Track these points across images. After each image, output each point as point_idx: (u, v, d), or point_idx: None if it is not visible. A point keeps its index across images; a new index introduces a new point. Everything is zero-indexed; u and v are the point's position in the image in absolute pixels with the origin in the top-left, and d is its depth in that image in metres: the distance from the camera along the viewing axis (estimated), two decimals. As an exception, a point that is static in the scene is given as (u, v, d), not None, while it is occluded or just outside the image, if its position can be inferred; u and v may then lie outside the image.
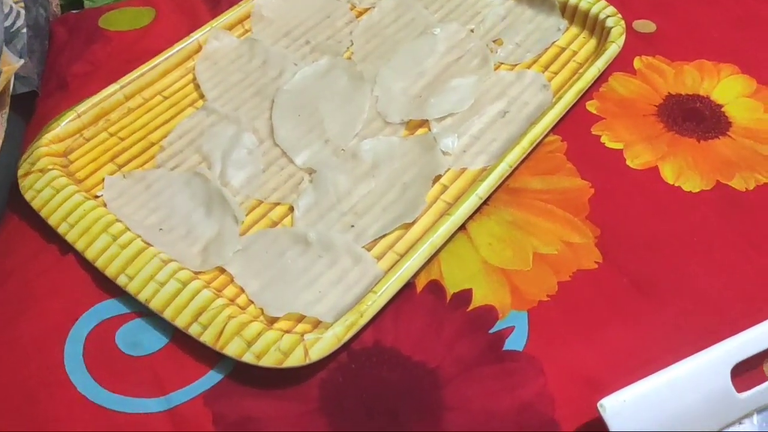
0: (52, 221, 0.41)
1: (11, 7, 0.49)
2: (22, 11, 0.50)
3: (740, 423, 0.34)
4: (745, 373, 0.34)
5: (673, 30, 0.53)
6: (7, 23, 0.47)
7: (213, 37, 0.52)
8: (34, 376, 0.36)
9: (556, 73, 0.49)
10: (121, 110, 0.48)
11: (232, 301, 0.38)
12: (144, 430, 0.34)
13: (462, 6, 0.55)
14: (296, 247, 0.40)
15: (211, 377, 0.36)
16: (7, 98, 0.47)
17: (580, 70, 0.49)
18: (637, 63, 0.50)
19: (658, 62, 0.50)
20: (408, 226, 0.41)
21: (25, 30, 0.49)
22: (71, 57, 0.53)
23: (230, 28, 0.53)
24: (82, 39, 0.54)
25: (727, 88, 0.49)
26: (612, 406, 0.32)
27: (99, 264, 0.39)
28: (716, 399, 0.33)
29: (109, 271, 0.38)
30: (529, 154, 0.44)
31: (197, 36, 0.51)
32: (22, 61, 0.46)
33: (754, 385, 0.34)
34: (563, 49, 0.51)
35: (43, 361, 0.36)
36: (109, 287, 0.39)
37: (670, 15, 0.54)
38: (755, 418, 0.34)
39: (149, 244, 0.39)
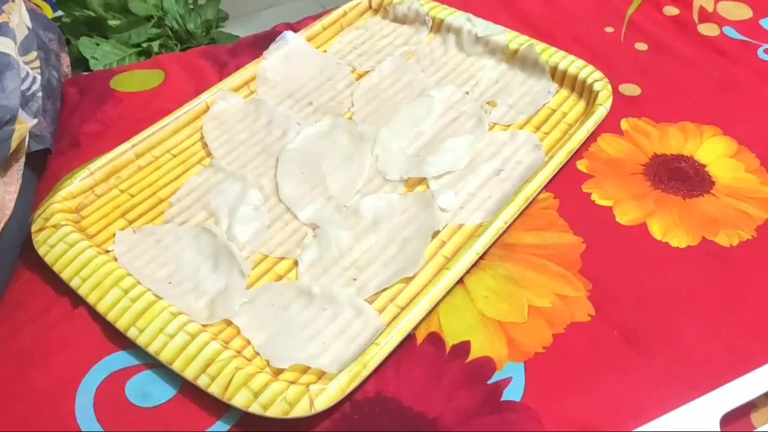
0: (65, 275, 0.42)
1: (27, 72, 0.51)
2: (38, 76, 0.52)
3: (730, 471, 0.35)
4: (734, 422, 0.36)
5: (657, 93, 0.55)
6: (24, 87, 0.49)
7: (220, 98, 0.54)
8: (46, 427, 0.37)
9: (547, 134, 0.52)
10: (132, 168, 0.50)
11: (239, 352, 0.39)
12: (153, 479, 0.35)
13: (457, 70, 0.58)
14: (301, 300, 0.42)
15: (219, 428, 0.37)
16: (23, 156, 0.48)
17: (570, 131, 0.51)
18: (624, 124, 0.53)
19: (643, 124, 0.53)
20: (408, 280, 0.42)
21: (40, 93, 0.51)
22: (83, 117, 0.55)
23: (236, 89, 0.56)
24: (94, 99, 0.56)
25: (710, 149, 0.51)
26: (607, 454, 0.33)
27: (110, 317, 0.40)
28: (706, 448, 0.34)
29: (120, 324, 0.40)
30: (523, 210, 0.46)
31: (205, 97, 0.54)
32: (35, 121, 0.48)
33: (743, 434, 0.35)
34: (554, 111, 0.54)
35: (55, 412, 0.37)
36: (119, 339, 0.40)
37: (653, 79, 0.56)
38: (744, 466, 0.35)
39: (159, 298, 0.41)
